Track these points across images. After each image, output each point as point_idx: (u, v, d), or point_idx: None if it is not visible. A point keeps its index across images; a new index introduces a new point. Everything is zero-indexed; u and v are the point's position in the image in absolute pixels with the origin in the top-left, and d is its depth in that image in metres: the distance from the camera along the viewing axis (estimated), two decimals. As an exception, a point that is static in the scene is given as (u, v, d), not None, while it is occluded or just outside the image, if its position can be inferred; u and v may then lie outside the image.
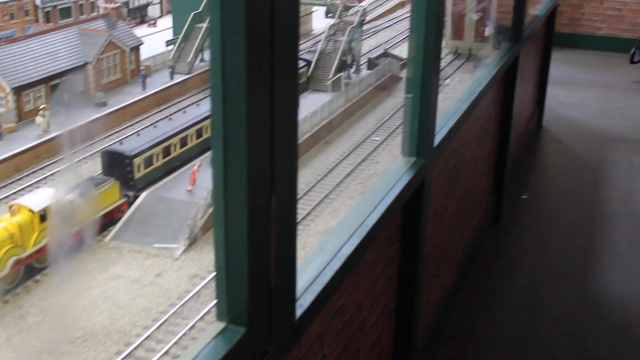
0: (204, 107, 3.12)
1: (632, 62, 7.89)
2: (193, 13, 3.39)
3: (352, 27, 3.41)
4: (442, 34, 2.50)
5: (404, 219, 2.47)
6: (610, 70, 8.24)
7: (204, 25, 3.35)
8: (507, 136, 4.38)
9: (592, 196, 4.94)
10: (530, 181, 5.17)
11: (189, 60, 3.41)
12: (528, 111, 5.76)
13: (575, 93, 7.36)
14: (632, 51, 7.86)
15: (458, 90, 3.41)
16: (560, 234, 4.40)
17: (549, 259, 4.09)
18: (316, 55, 3.51)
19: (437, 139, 2.62)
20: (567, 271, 3.96)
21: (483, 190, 4.16)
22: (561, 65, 7.83)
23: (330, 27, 3.42)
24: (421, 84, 2.38)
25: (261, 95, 1.21)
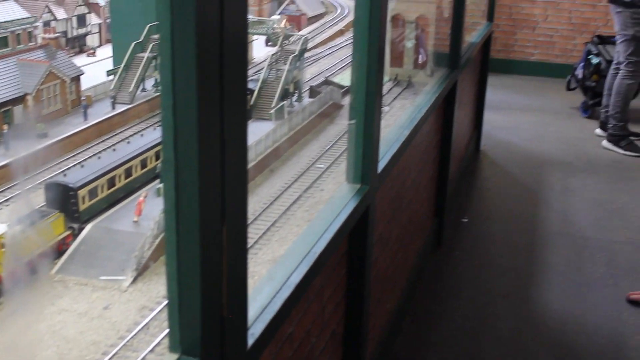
0: (148, 138, 3.13)
1: (568, 89, 8.11)
2: (134, 43, 3.41)
3: (294, 56, 3.48)
4: (384, 61, 2.55)
5: (350, 245, 2.50)
6: (543, 94, 8.48)
7: (145, 54, 3.40)
8: (447, 161, 4.46)
9: (530, 218, 5.06)
10: (470, 204, 5.27)
11: (130, 89, 3.42)
12: (466, 136, 5.88)
13: (510, 117, 7.54)
14: (567, 78, 8.09)
15: (399, 117, 3.47)
16: (501, 256, 4.49)
17: (490, 280, 4.17)
18: (259, 84, 3.57)
19: (381, 165, 2.66)
20: (508, 292, 4.04)
21: (425, 214, 4.23)
22: (497, 90, 8.03)
23: (272, 56, 3.49)
24: (364, 111, 2.42)
25: (212, 127, 1.23)
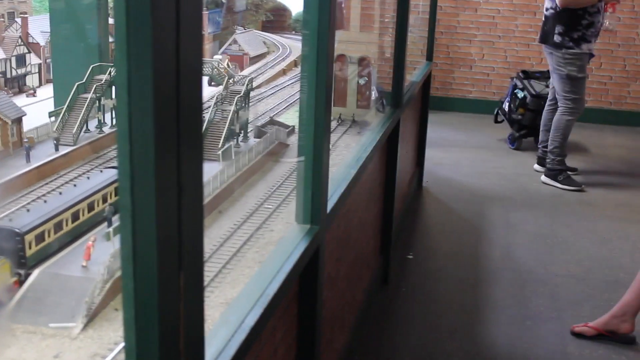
0: (95, 180, 3.07)
1: (495, 122, 8.35)
2: (77, 84, 3.34)
3: (240, 97, 3.49)
4: (332, 101, 2.58)
5: (301, 286, 2.50)
6: (481, 131, 8.66)
7: (89, 95, 3.35)
8: (391, 198, 4.51)
9: (474, 253, 5.14)
10: (415, 241, 5.33)
11: (73, 131, 3.33)
12: (409, 173, 5.96)
13: (451, 154, 7.68)
14: (495, 112, 8.33)
15: (345, 156, 3.51)
16: (447, 292, 4.54)
17: (438, 317, 4.21)
18: (205, 124, 3.54)
19: (330, 205, 2.68)
20: (455, 328, 4.08)
21: (371, 252, 4.26)
22: (437, 128, 8.18)
23: (218, 96, 3.50)
24: (313, 151, 2.44)
25: (169, 172, 1.23)
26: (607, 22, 6.54)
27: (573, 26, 6.27)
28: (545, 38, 6.48)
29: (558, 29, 6.32)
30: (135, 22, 1.12)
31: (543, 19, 6.54)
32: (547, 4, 6.46)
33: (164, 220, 1.22)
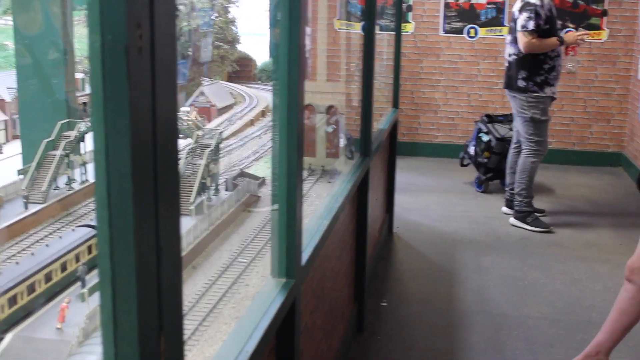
0: (67, 239, 3.03)
1: (461, 165, 8.44)
2: (45, 141, 3.31)
3: (210, 150, 3.50)
4: (303, 151, 2.60)
5: (278, 339, 2.48)
6: (449, 175, 8.75)
7: (58, 152, 3.33)
8: (363, 246, 4.52)
9: (447, 298, 5.14)
10: (388, 288, 5.32)
11: (43, 188, 3.29)
12: (380, 220, 5.99)
13: (419, 199, 7.73)
14: (460, 155, 8.43)
15: (317, 207, 3.52)
16: (422, 338, 4.53)
17: (414, 364, 4.19)
18: (176, 179, 3.55)
19: (304, 257, 2.67)
20: (432, 375, 4.06)
21: (345, 301, 4.24)
22: (404, 173, 8.26)
23: (188, 150, 3.50)
24: (287, 203, 2.44)
25: (148, 235, 1.22)
26: (570, 65, 6.71)
27: (536, 70, 6.42)
28: (510, 83, 6.61)
29: (522, 74, 6.46)
30: (112, 88, 1.13)
31: (506, 64, 6.68)
32: (510, 50, 6.60)
33: (144, 284, 1.22)
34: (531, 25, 6.28)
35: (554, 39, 6.34)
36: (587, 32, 7.35)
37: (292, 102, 2.41)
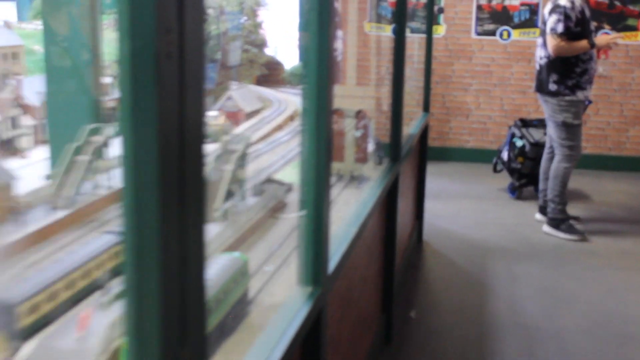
0: (91, 246, 3.01)
1: (494, 171, 8.39)
2: (73, 145, 3.31)
3: (238, 156, 3.48)
4: (332, 156, 2.59)
5: (303, 351, 2.47)
6: (480, 181, 8.69)
7: (85, 157, 3.33)
8: (392, 254, 4.50)
9: (479, 308, 5.10)
10: (417, 297, 5.29)
11: (70, 194, 3.29)
12: (409, 227, 5.96)
13: (450, 205, 7.69)
14: (494, 161, 8.37)
15: (345, 213, 3.51)
16: (452, 350, 4.49)
17: (444, 376, 4.16)
18: (202, 184, 3.55)
19: (331, 265, 2.66)
20: (462, 388, 4.03)
21: (373, 311, 4.23)
22: (435, 178, 8.21)
23: (215, 157, 3.49)
24: (314, 210, 2.43)
25: (173, 244, 1.22)
26: (601, 69, 6.65)
27: (567, 74, 6.36)
28: (541, 87, 6.56)
29: (553, 77, 6.41)
30: (140, 94, 1.13)
31: (537, 67, 6.63)
32: (540, 53, 6.55)
33: (167, 294, 1.21)
34: (560, 27, 6.22)
35: (584, 42, 6.27)
36: (620, 34, 7.24)
37: (321, 106, 2.41)
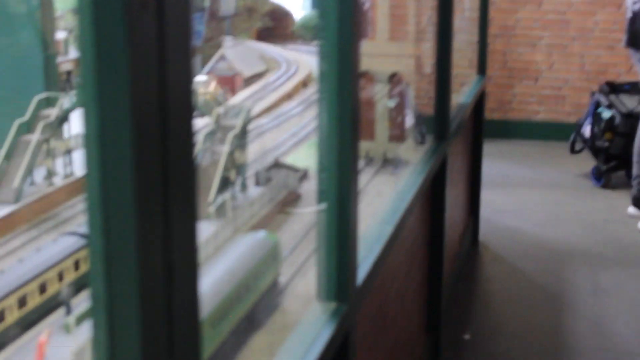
0: (47, 252, 3.02)
1: (572, 151, 8.34)
2: (17, 122, 3.28)
3: (236, 134, 3.44)
4: (359, 134, 2.60)
5: (325, 385, 2.49)
6: (554, 164, 8.68)
7: (34, 137, 3.27)
8: (439, 260, 4.51)
9: (552, 329, 5.11)
10: (472, 316, 5.31)
11: (15, 185, 3.29)
12: (461, 225, 5.97)
13: (515, 196, 7.69)
14: (571, 138, 8.33)
15: (377, 208, 3.52)
16: (519, 384, 4.51)
17: (508, 419, 4.18)
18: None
19: (360, 275, 2.68)
20: None
21: (416, 332, 4.25)
22: (494, 162, 8.21)
23: (206, 135, 3.45)
24: (337, 206, 2.44)
25: (156, 246, 1.24)
26: None
27: (672, 22, 6.33)
28: (635, 40, 6.52)
29: (652, 27, 6.38)
30: (107, 56, 1.14)
31: (630, 15, 6.59)
32: (635, -5, 6.52)
33: (150, 311, 1.23)
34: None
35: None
36: None
37: (344, 68, 2.42)
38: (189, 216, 1.33)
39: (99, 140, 1.17)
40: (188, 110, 1.32)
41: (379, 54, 4.73)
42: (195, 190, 1.37)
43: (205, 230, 2.96)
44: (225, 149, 3.37)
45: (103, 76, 1.16)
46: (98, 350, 1.23)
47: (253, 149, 4.15)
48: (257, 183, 3.76)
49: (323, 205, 2.47)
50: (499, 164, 8.48)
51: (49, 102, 3.77)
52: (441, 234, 4.48)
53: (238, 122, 3.52)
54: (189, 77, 1.33)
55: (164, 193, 1.25)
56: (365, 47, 4.66)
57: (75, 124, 3.61)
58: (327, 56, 2.41)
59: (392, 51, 4.82)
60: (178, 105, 1.28)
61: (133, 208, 1.18)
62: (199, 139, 3.52)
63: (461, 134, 5.54)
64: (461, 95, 5.90)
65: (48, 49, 4.10)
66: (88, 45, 1.15)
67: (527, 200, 7.60)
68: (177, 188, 1.28)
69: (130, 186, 1.17)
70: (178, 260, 1.29)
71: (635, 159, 7.00)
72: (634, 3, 6.52)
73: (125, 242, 1.19)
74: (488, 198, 7.02)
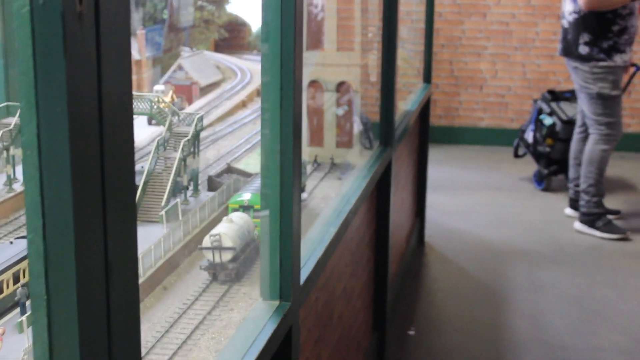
0: (4, 254, 2.98)
1: (515, 156, 8.43)
2: None
3: (187, 140, 3.46)
4: (301, 139, 2.62)
5: (270, 379, 2.51)
6: (498, 168, 8.76)
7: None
8: (385, 260, 4.54)
9: (493, 325, 5.16)
10: (416, 312, 5.35)
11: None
12: (407, 226, 6.01)
13: (460, 199, 7.75)
14: (515, 143, 8.41)
15: (322, 210, 3.55)
16: (460, 377, 4.55)
17: (449, 409, 4.21)
18: (143, 177, 3.47)
19: (304, 273, 2.70)
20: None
21: (362, 328, 4.27)
22: (440, 166, 8.28)
23: (159, 141, 3.45)
24: (280, 209, 2.46)
25: (94, 248, 1.25)
26: (644, 27, 6.68)
27: (602, 34, 6.40)
28: (569, 49, 6.60)
29: (584, 37, 6.45)
30: (44, 65, 1.15)
31: (564, 25, 6.66)
32: (568, 7, 6.57)
33: (88, 310, 1.24)
34: (594, -27, 6.28)
35: (624, -7, 6.33)
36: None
37: (286, 78, 2.44)
38: (128, 217, 1.34)
39: (37, 147, 1.18)
40: (127, 117, 1.34)
41: (327, 63, 4.76)
42: (133, 192, 1.39)
43: (156, 233, 2.97)
44: (177, 155, 3.38)
45: (41, 86, 1.17)
46: (38, 348, 1.24)
47: (208, 155, 4.16)
48: (209, 188, 3.77)
49: (266, 212, 2.49)
50: (446, 168, 8.55)
51: (10, 111, 3.76)
52: (386, 234, 4.51)
53: (190, 130, 3.53)
54: (127, 85, 1.35)
55: (102, 195, 1.26)
56: (315, 57, 4.69)
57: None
58: (269, 65, 2.43)
59: (340, 61, 4.85)
60: (116, 113, 1.29)
61: (71, 210, 1.19)
62: (153, 146, 3.53)
63: (407, 139, 5.58)
64: (408, 103, 5.94)
65: (9, 59, 4.08)
66: (27, 57, 1.16)
67: (472, 203, 7.66)
68: (116, 190, 1.29)
69: (68, 190, 1.19)
70: (116, 260, 1.30)
71: (572, 162, 7.09)
72: (569, 14, 6.59)
73: (63, 243, 1.20)
74: (434, 200, 7.08)
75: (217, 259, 2.99)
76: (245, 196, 3.33)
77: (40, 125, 1.17)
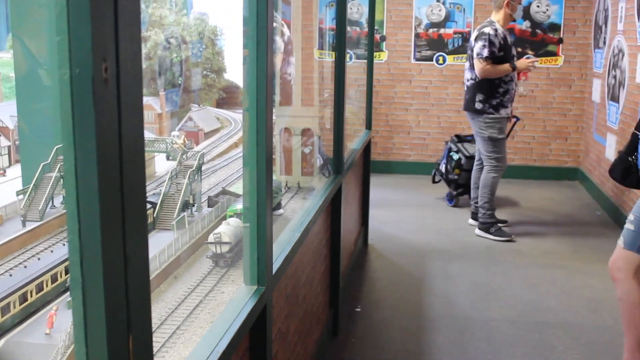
0: (58, 253, 3.05)
1: (433, 182, 8.50)
2: (42, 164, 3.32)
3: (192, 171, 3.55)
4: (272, 169, 2.64)
5: (251, 342, 2.52)
6: (420, 191, 8.82)
7: (54, 174, 3.33)
8: (337, 256, 4.56)
9: (417, 303, 5.19)
10: (362, 295, 5.36)
11: (40, 207, 3.31)
12: (355, 232, 6.03)
13: (394, 212, 7.78)
14: (432, 173, 8.48)
15: (291, 220, 3.56)
16: (393, 341, 4.56)
17: (384, 364, 4.22)
18: (160, 197, 3.60)
19: (275, 266, 2.72)
20: (401, 374, 4.09)
21: (321, 306, 4.28)
22: (380, 189, 8.32)
23: (172, 171, 3.55)
24: (257, 218, 2.48)
25: (115, 244, 1.27)
26: (521, 89, 6.81)
27: (491, 94, 6.52)
28: (468, 105, 6.71)
29: (479, 97, 6.56)
30: (80, 115, 1.18)
31: (465, 88, 6.78)
32: (467, 75, 6.70)
33: (111, 290, 1.26)
34: (485, 52, 6.39)
35: (506, 65, 6.46)
36: (537, 58, 7.44)
37: (260, 127, 2.46)
38: (140, 223, 1.36)
39: (74, 174, 1.20)
40: (139, 152, 1.36)
41: (296, 115, 4.80)
42: (144, 205, 1.40)
43: (169, 237, 2.99)
44: (185, 181, 3.40)
45: (77, 130, 1.19)
46: (76, 316, 1.26)
47: (209, 182, 4.18)
48: (209, 205, 3.79)
49: (247, 224, 2.50)
50: (383, 190, 8.59)
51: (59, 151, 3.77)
52: (338, 238, 4.53)
53: (195, 163, 3.55)
54: (140, 129, 1.36)
55: (122, 207, 1.28)
56: (286, 111, 4.72)
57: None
58: (248, 119, 2.46)
59: (305, 113, 4.89)
60: (132, 149, 1.31)
61: (98, 218, 1.21)
62: (168, 175, 3.54)
63: (354, 169, 5.62)
64: (354, 143, 5.98)
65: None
66: (67, 110, 1.18)
67: (402, 215, 7.70)
68: (131, 205, 1.31)
69: (96, 204, 1.20)
70: (132, 253, 1.32)
71: (472, 186, 7.16)
72: (468, 80, 6.71)
73: (93, 241, 1.22)
74: (375, 214, 7.11)
75: (218, 251, 3.00)
76: (239, 206, 3.39)
77: (77, 158, 1.19)
